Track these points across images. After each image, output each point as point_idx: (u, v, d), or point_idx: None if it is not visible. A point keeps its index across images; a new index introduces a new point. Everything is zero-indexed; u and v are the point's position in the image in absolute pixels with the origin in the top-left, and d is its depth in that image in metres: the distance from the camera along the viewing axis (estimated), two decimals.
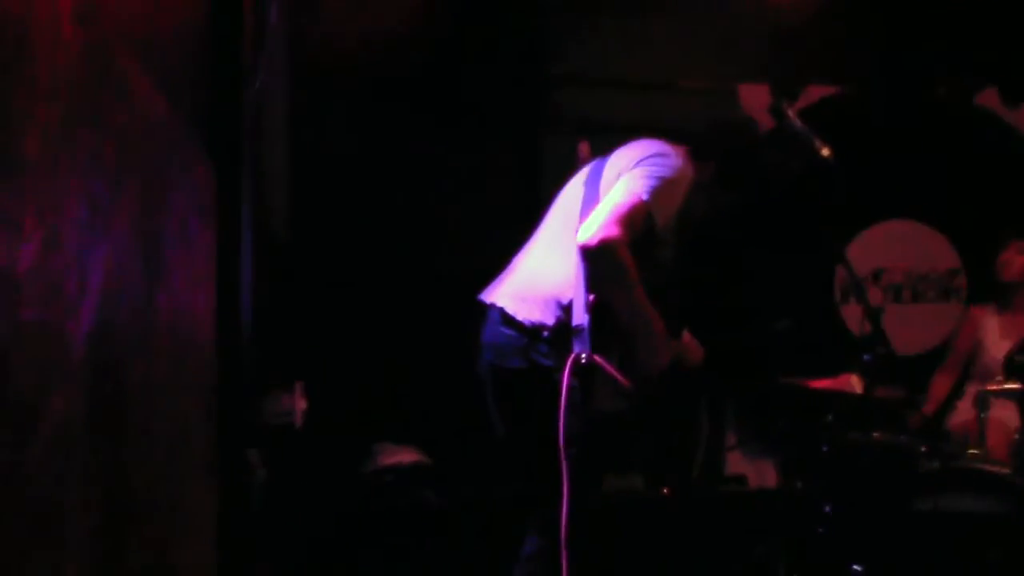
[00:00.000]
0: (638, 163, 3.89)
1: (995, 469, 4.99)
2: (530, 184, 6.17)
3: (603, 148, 4.34)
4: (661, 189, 3.81)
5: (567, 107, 6.53)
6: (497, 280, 4.15)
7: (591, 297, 3.78)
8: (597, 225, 3.71)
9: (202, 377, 3.41)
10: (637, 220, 3.75)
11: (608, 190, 3.88)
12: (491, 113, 6.28)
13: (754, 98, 6.93)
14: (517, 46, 6.46)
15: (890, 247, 7.08)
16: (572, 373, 3.73)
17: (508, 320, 3.93)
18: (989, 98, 7.16)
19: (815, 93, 7.00)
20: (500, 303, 3.98)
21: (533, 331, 3.88)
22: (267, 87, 4.20)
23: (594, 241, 3.68)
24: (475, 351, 4.12)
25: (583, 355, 3.73)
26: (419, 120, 6.10)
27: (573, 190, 4.15)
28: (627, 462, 5.58)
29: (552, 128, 6.51)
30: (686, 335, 4.28)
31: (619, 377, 3.78)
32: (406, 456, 5.36)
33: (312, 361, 5.12)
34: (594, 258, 3.72)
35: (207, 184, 3.44)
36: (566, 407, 3.71)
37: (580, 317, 3.76)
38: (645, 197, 3.77)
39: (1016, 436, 5.20)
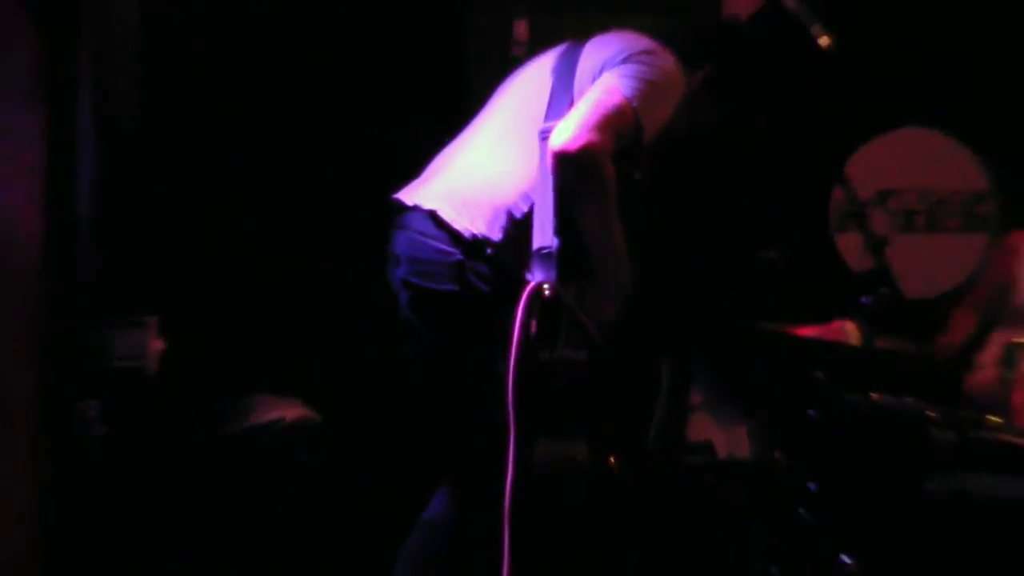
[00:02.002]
0: (626, 59, 3.87)
1: (1023, 441, 5.02)
2: (453, 69, 6.10)
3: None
4: (652, 95, 3.81)
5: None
6: (420, 178, 4.08)
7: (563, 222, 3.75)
8: (576, 126, 3.67)
9: (23, 305, 3.34)
10: (624, 127, 3.75)
11: (586, 84, 3.87)
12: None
13: None
14: None
15: (901, 162, 7.07)
16: (530, 307, 3.66)
17: (441, 226, 3.87)
18: None
19: None
20: (429, 205, 3.91)
21: (473, 245, 3.83)
22: None
23: (573, 146, 3.64)
24: (385, 264, 4.06)
25: (546, 286, 3.67)
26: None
27: (532, 78, 4.12)
28: (568, 423, 5.57)
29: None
30: None
31: (584, 319, 3.74)
32: (286, 411, 5.31)
33: (170, 288, 5.05)
34: (572, 166, 3.67)
35: (33, 55, 3.35)
36: (518, 348, 3.64)
37: (546, 238, 3.72)
38: (635, 103, 3.76)
39: None
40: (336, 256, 5.59)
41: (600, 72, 3.87)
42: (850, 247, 6.78)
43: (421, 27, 6.07)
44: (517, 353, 3.62)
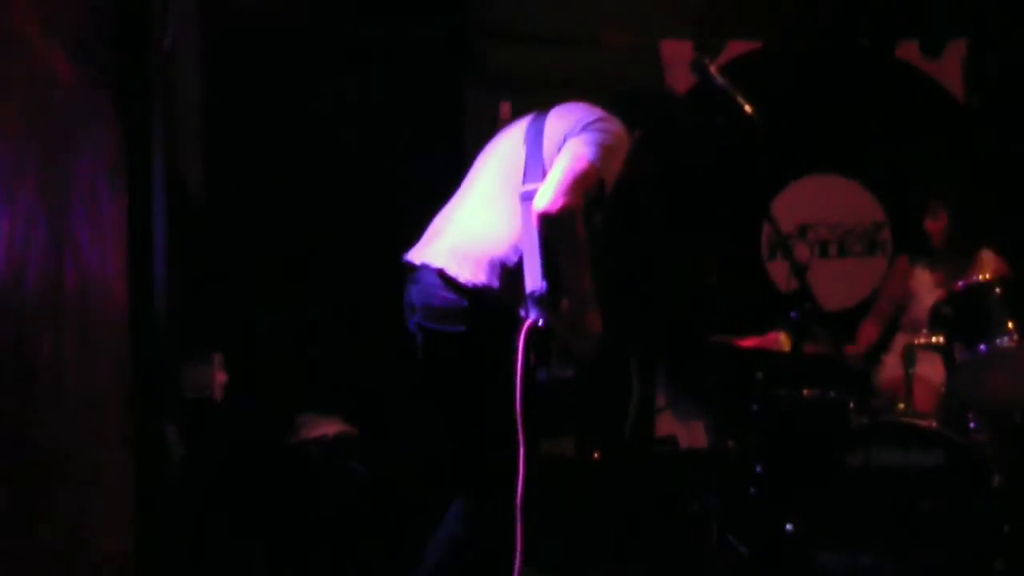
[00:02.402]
0: (584, 128, 3.84)
1: (923, 423, 5.00)
2: (453, 141, 6.07)
3: (525, 104, 4.26)
4: (607, 155, 3.79)
5: (490, 61, 6.45)
6: (424, 238, 4.03)
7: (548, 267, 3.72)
8: (554, 191, 3.66)
9: (115, 349, 3.29)
10: (590, 186, 3.74)
11: (553, 151, 3.84)
12: (412, 66, 6.16)
13: (676, 54, 6.90)
14: None
15: (815, 202, 7.07)
16: (529, 341, 3.66)
17: (447, 280, 3.80)
18: (908, 51, 7.16)
19: (736, 48, 6.97)
20: (436, 264, 3.84)
21: (476, 293, 3.76)
22: (177, 42, 4.06)
23: (553, 208, 3.63)
24: (403, 313, 4.00)
25: (540, 322, 3.66)
26: (338, 72, 5.98)
27: (508, 146, 4.06)
28: (559, 426, 5.53)
29: (474, 82, 6.43)
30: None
31: (570, 344, 3.73)
32: (331, 427, 5.26)
33: (231, 331, 5.00)
34: (555, 225, 3.66)
35: (116, 146, 3.31)
36: (522, 375, 3.63)
37: (535, 283, 3.69)
38: (596, 163, 3.74)
39: (942, 390, 5.25)
40: (365, 299, 5.54)
41: (564, 140, 3.83)
42: (778, 273, 6.78)
43: (428, 111, 6.06)
44: (521, 379, 3.61)
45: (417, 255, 3.93)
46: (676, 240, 6.60)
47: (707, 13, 6.78)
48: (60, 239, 2.71)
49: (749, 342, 5.44)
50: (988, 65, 7.07)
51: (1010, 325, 4.90)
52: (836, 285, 6.80)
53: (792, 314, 5.00)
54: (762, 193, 6.65)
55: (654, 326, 6.32)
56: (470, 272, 3.76)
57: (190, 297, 4.38)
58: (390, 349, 4.24)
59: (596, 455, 5.62)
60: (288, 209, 5.73)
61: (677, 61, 6.90)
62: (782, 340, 5.25)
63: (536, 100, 4.20)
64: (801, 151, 6.97)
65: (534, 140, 3.93)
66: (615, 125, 3.90)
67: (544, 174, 3.79)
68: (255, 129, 5.65)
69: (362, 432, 5.32)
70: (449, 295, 3.78)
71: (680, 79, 6.93)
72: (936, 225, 6.06)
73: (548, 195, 3.66)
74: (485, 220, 3.91)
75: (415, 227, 4.15)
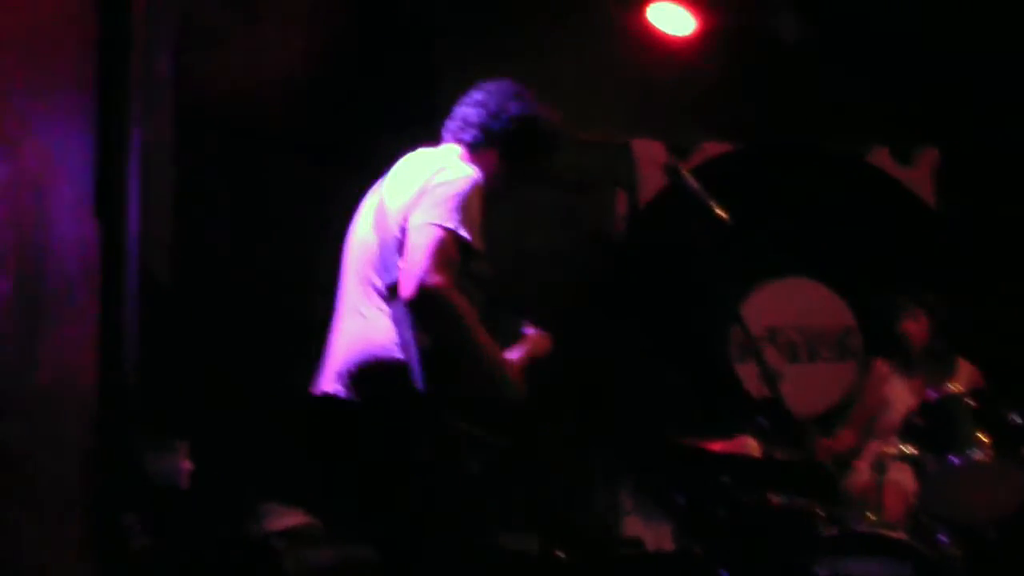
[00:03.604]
0: (426, 189, 3.55)
1: (893, 534, 4.96)
2: None
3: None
4: (458, 207, 3.50)
5: None
6: (323, 362, 3.84)
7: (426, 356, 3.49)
8: (412, 275, 3.40)
9: (82, 436, 3.23)
10: (452, 252, 3.45)
11: (399, 221, 3.58)
12: (379, 157, 6.16)
13: (648, 153, 6.93)
14: (409, 91, 6.35)
15: (784, 305, 7.08)
16: (430, 445, 3.47)
17: (341, 404, 3.63)
18: (880, 157, 7.22)
19: (709, 150, 7.01)
20: (330, 389, 3.66)
21: (372, 409, 3.57)
22: (154, 135, 4.04)
23: (416, 293, 3.38)
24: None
25: (440, 425, 3.46)
26: (305, 164, 5.97)
27: (362, 235, 3.82)
28: (510, 517, 5.44)
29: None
30: (528, 336, 3.98)
31: (474, 432, 3.52)
32: (294, 519, 5.18)
33: (195, 416, 4.94)
34: (427, 310, 3.42)
35: (92, 238, 3.27)
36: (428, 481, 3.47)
37: (421, 380, 3.47)
38: (450, 225, 3.46)
39: (912, 501, 5.22)
40: None
41: (407, 217, 3.54)
42: (748, 375, 6.77)
43: None
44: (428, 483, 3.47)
45: (318, 385, 3.76)
46: (646, 340, 6.59)
47: (680, 114, 6.82)
48: (33, 333, 2.67)
49: (717, 445, 5.39)
50: (959, 173, 7.13)
51: (983, 438, 4.89)
52: (806, 390, 6.78)
53: (762, 420, 4.98)
54: (732, 295, 6.64)
55: (621, 426, 6.28)
56: (357, 389, 3.58)
57: (156, 385, 4.32)
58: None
59: (560, 554, 5.55)
60: (255, 297, 5.70)
61: (649, 160, 6.93)
62: (751, 444, 5.21)
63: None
64: (771, 254, 6.98)
65: (380, 222, 3.69)
66: (457, 170, 3.64)
67: (399, 258, 3.56)
68: (223, 216, 5.64)
69: (325, 524, 5.24)
70: (345, 413, 3.63)
71: (652, 177, 6.96)
72: (916, 326, 6.04)
73: (409, 282, 3.41)
74: (359, 325, 3.69)
75: None
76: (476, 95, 4.01)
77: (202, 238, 5.56)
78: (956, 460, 4.95)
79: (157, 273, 4.66)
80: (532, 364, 3.84)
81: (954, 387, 5.31)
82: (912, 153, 7.21)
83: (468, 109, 3.97)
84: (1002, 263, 6.90)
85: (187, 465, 4.37)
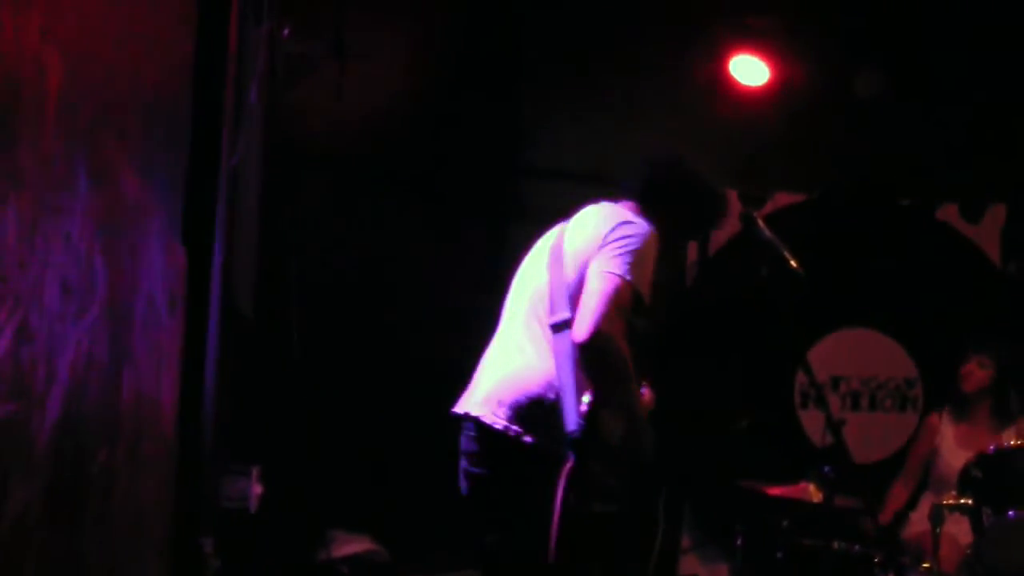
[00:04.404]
0: (608, 240, 3.62)
1: None
2: (497, 272, 6.12)
3: None
4: (636, 262, 3.57)
5: (538, 199, 6.50)
6: (469, 387, 3.93)
7: (588, 401, 3.47)
8: (589, 320, 3.45)
9: (162, 461, 3.30)
10: (625, 302, 3.53)
11: (576, 265, 3.66)
12: (462, 200, 6.24)
13: None
14: (491, 137, 6.44)
15: (849, 355, 7.07)
16: (569, 482, 3.44)
17: (484, 428, 3.68)
18: (949, 213, 7.20)
19: (782, 200, 7.03)
20: (476, 412, 3.72)
21: (511, 440, 3.61)
22: (243, 165, 4.12)
23: (589, 337, 3.43)
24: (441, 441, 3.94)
25: (580, 465, 3.46)
26: (389, 204, 6.05)
27: (534, 274, 3.89)
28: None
29: (518, 219, 6.48)
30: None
31: (609, 481, 3.55)
32: (360, 546, 5.24)
33: (268, 443, 5.01)
34: (594, 353, 3.47)
35: (179, 265, 3.35)
36: (560, 519, 3.44)
37: (572, 422, 3.48)
38: (629, 277, 3.53)
39: (968, 551, 5.19)
40: (399, 430, 5.59)
41: (587, 260, 3.61)
42: (810, 422, 6.77)
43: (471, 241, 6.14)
44: (560, 520, 3.42)
45: (461, 406, 3.84)
46: (713, 382, 6.60)
47: (754, 163, 6.85)
48: (120, 356, 2.74)
49: (778, 490, 5.40)
50: None
51: None
52: (865, 439, 6.76)
53: (825, 468, 4.98)
54: (798, 342, 6.64)
55: (685, 465, 6.29)
56: (505, 418, 3.63)
57: (233, 409, 4.40)
58: (426, 473, 4.21)
59: None
60: (333, 331, 5.77)
61: None
62: (811, 491, 5.20)
63: None
64: (838, 303, 6.98)
65: (555, 263, 3.75)
66: (638, 226, 3.68)
67: (569, 299, 3.62)
68: (307, 254, 5.72)
69: (391, 553, 5.30)
70: (487, 443, 3.69)
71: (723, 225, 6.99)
72: (979, 372, 6.02)
73: (584, 324, 3.46)
74: (519, 360, 3.75)
75: (458, 353, 4.14)
76: (661, 160, 4.10)
77: (284, 268, 5.64)
78: (1013, 514, 4.92)
79: (239, 302, 4.74)
80: None
81: (1014, 441, 5.27)
82: (981, 211, 7.19)
83: (648, 172, 4.04)
84: None
85: (258, 489, 4.43)
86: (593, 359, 3.50)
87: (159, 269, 3.15)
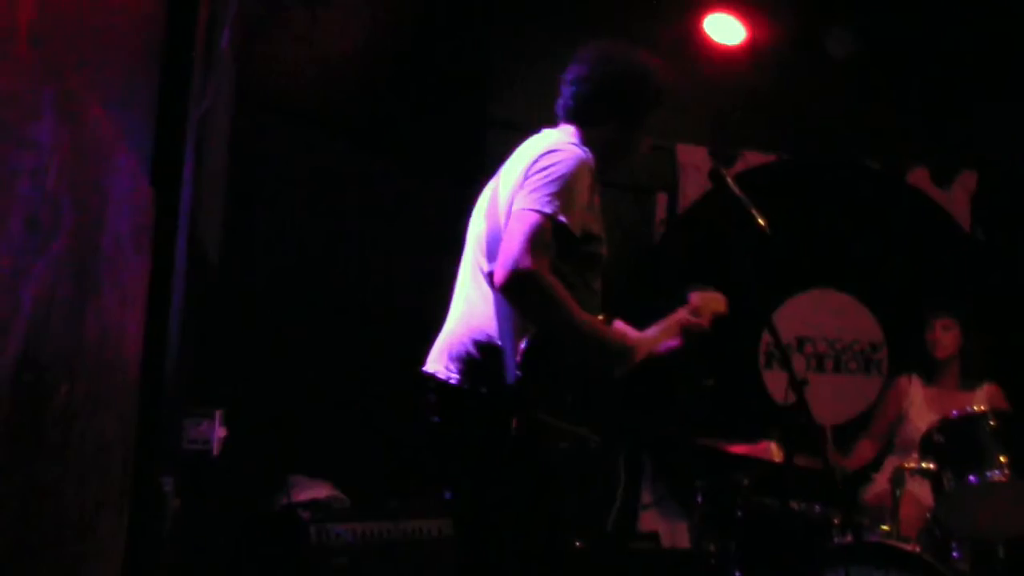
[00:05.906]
0: (529, 174, 3.52)
1: (906, 546, 4.97)
2: (464, 225, 6.12)
3: None
4: (562, 191, 3.46)
5: (507, 151, 6.49)
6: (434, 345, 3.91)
7: (522, 349, 3.41)
8: (506, 260, 3.36)
9: (124, 399, 3.30)
10: (546, 237, 3.41)
11: (506, 209, 3.55)
12: (430, 152, 6.22)
13: (691, 157, 6.97)
14: (460, 87, 6.42)
15: (815, 316, 7.11)
16: (519, 435, 3.39)
17: (440, 385, 3.65)
18: (920, 178, 7.23)
19: (751, 159, 7.04)
20: (431, 368, 3.70)
21: (468, 391, 3.57)
22: (212, 111, 4.10)
23: (508, 277, 3.34)
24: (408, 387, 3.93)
25: (526, 415, 3.40)
26: (358, 153, 6.03)
27: (474, 223, 3.84)
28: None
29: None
30: (692, 298, 4.07)
31: (560, 426, 3.47)
32: (320, 491, 5.25)
33: (231, 387, 5.01)
34: (517, 294, 3.38)
35: (147, 204, 3.34)
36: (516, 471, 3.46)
37: (511, 374, 3.43)
38: (547, 210, 3.41)
39: (928, 515, 5.23)
40: (371, 367, 5.58)
41: (511, 203, 3.51)
42: (774, 382, 6.81)
43: (442, 195, 6.12)
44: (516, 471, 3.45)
45: (427, 364, 3.78)
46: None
47: (724, 122, 6.85)
48: (84, 293, 2.73)
49: (739, 448, 5.43)
50: (996, 198, 7.14)
51: (1002, 459, 4.91)
52: (829, 400, 6.81)
53: (784, 425, 5.01)
54: (765, 303, 6.67)
55: (647, 422, 6.32)
56: (456, 371, 3.60)
57: (196, 353, 4.39)
58: (391, 420, 4.22)
59: (578, 544, 5.59)
60: (299, 278, 5.78)
61: (692, 165, 6.97)
62: (773, 450, 5.24)
63: None
64: (806, 265, 7.01)
65: (492, 209, 3.69)
66: (561, 153, 3.56)
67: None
68: (273, 198, 5.71)
69: (352, 499, 5.32)
70: (438, 393, 3.65)
71: (693, 182, 7.01)
72: (946, 336, 6.07)
73: (503, 267, 3.37)
74: (467, 309, 3.72)
75: (420, 304, 4.12)
76: (578, 67, 3.93)
77: (251, 213, 5.64)
78: (974, 479, 4.96)
79: (206, 245, 4.73)
80: (711, 321, 4.04)
81: (977, 406, 5.31)
82: (952, 175, 7.22)
83: (575, 84, 3.90)
84: None
85: (221, 432, 4.43)
86: (517, 301, 3.43)
87: (126, 207, 3.13)
